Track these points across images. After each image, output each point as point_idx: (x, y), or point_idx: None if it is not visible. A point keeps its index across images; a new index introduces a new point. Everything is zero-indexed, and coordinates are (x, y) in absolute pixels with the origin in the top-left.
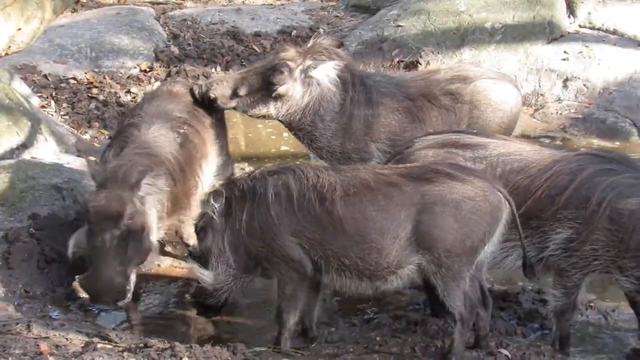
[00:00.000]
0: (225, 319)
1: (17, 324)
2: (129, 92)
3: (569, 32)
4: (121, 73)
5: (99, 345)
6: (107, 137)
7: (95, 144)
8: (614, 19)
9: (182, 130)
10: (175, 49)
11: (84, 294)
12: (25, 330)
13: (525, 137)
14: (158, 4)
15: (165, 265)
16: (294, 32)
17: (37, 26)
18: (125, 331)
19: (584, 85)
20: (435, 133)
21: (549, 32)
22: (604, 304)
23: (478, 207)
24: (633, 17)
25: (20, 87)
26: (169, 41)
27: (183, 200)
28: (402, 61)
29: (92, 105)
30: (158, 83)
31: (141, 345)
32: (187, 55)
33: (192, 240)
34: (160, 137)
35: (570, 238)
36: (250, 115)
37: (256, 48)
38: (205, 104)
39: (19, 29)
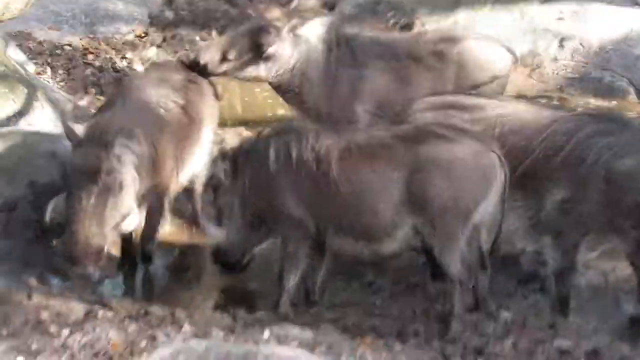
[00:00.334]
0: (226, 284)
1: (17, 292)
2: (124, 57)
3: None
4: (116, 39)
5: (99, 314)
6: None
7: (92, 110)
8: None
9: (169, 107)
10: (170, 14)
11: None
12: (26, 299)
13: (522, 97)
14: None
15: (164, 231)
16: None
17: None
18: (125, 298)
19: (580, 44)
20: (433, 95)
21: None
22: (603, 264)
23: (469, 167)
24: None
25: (15, 54)
26: (163, 6)
27: (162, 174)
28: (397, 23)
29: (88, 72)
30: (153, 48)
31: (142, 312)
32: (182, 20)
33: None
34: (140, 108)
35: (566, 199)
36: (241, 79)
37: (251, 12)
38: (196, 70)
39: None
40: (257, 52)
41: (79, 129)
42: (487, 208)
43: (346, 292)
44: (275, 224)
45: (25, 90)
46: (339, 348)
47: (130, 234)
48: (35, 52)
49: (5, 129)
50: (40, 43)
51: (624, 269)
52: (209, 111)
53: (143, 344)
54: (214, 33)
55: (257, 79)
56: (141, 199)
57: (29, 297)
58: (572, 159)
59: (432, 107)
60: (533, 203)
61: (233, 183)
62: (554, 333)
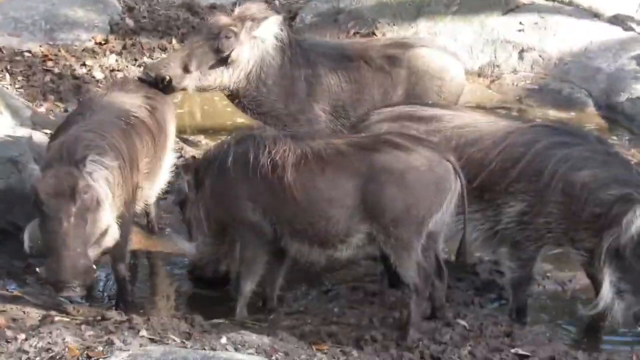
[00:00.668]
0: (182, 290)
1: None
2: (84, 64)
3: (524, 3)
4: (76, 46)
5: (56, 319)
6: (62, 109)
7: (51, 117)
8: None
9: (130, 122)
10: (130, 22)
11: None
12: None
13: (481, 108)
14: None
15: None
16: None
17: None
18: (82, 304)
19: (540, 56)
20: (390, 105)
21: (505, 3)
22: (560, 273)
23: (423, 176)
24: None
25: None
26: (123, 13)
27: (130, 187)
28: (358, 33)
29: (47, 78)
30: (113, 56)
31: (99, 318)
32: (142, 28)
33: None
34: (105, 122)
35: (523, 211)
36: (203, 90)
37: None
38: (159, 87)
39: None
40: (218, 60)
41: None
42: (442, 217)
43: (304, 299)
44: (234, 229)
45: None
46: (296, 355)
47: None
48: None
49: None
50: None
51: (581, 278)
52: (171, 123)
53: (100, 348)
54: (174, 41)
55: (220, 87)
56: (114, 213)
57: None
58: (529, 171)
59: (389, 118)
60: (490, 214)
61: (197, 194)
62: (511, 341)
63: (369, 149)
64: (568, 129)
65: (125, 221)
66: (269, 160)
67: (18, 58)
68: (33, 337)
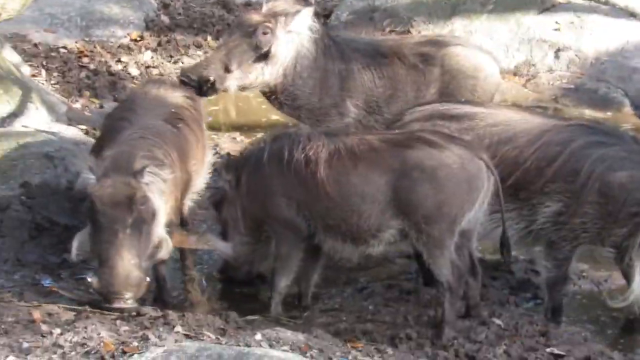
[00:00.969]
0: (217, 287)
1: (9, 292)
2: (119, 61)
3: (560, 2)
4: (112, 42)
5: (91, 314)
6: (97, 106)
7: (86, 113)
8: None
9: (178, 125)
10: (165, 18)
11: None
12: (18, 298)
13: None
14: None
15: None
16: None
17: None
18: None
19: (576, 55)
20: (423, 104)
21: (541, 2)
22: (596, 273)
23: (455, 174)
24: None
25: (10, 56)
26: (159, 10)
27: (179, 196)
28: (393, 31)
29: (83, 74)
30: (148, 52)
31: (134, 313)
32: (177, 25)
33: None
34: (156, 128)
35: (559, 211)
36: (245, 89)
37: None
38: (203, 89)
39: None
40: (257, 57)
41: (74, 131)
42: (475, 215)
43: (339, 297)
44: (270, 226)
45: (20, 92)
46: (331, 352)
47: None
48: (31, 54)
49: None
50: (35, 45)
51: (617, 278)
52: (205, 129)
53: (135, 344)
54: (209, 38)
55: (261, 85)
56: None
57: (21, 296)
58: (565, 171)
59: (421, 117)
60: (526, 213)
61: (235, 193)
62: (547, 340)
63: (401, 146)
64: (604, 128)
65: (172, 228)
66: (302, 156)
67: (54, 54)
68: (68, 331)
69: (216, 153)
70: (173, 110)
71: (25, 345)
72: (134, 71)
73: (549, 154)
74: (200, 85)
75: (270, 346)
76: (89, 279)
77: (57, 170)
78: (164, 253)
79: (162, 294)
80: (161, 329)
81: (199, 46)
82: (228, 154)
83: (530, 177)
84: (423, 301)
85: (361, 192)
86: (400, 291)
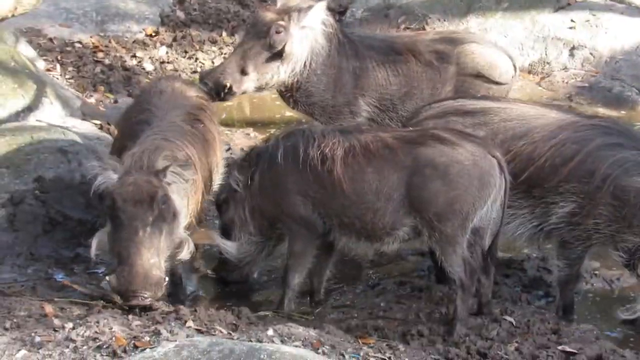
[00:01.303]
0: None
1: (22, 286)
2: (134, 56)
3: (576, 1)
4: (127, 37)
5: (103, 308)
6: (112, 100)
7: (100, 108)
8: None
9: (196, 125)
10: (181, 14)
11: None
12: (30, 292)
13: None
14: None
15: None
16: None
17: None
18: None
19: (591, 53)
20: (438, 101)
21: (556, 0)
22: (608, 272)
23: (467, 171)
24: None
25: (25, 50)
26: (174, 6)
27: (199, 196)
28: (408, 28)
29: (98, 69)
30: (163, 48)
31: (146, 308)
32: (192, 20)
33: None
34: (176, 128)
35: (573, 212)
36: (262, 89)
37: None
38: (221, 95)
39: None
40: (272, 57)
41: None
42: (487, 213)
43: (351, 293)
44: (284, 223)
45: (35, 86)
46: (343, 348)
47: None
48: (46, 49)
49: (13, 124)
50: (50, 40)
51: (629, 276)
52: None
53: (147, 338)
54: (224, 34)
55: (278, 84)
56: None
57: (34, 290)
58: (580, 172)
59: (436, 114)
60: (539, 212)
61: (245, 192)
62: (558, 338)
63: (414, 143)
64: (622, 129)
65: (192, 229)
66: (318, 153)
67: (69, 49)
68: (80, 326)
69: (229, 149)
70: (190, 110)
71: (38, 339)
72: (148, 66)
73: (565, 153)
74: (218, 92)
75: (282, 342)
76: (107, 278)
77: (71, 164)
78: (185, 254)
79: (177, 293)
80: (173, 324)
81: (214, 42)
82: (241, 149)
83: (545, 174)
84: (435, 298)
85: (376, 190)
86: (412, 288)
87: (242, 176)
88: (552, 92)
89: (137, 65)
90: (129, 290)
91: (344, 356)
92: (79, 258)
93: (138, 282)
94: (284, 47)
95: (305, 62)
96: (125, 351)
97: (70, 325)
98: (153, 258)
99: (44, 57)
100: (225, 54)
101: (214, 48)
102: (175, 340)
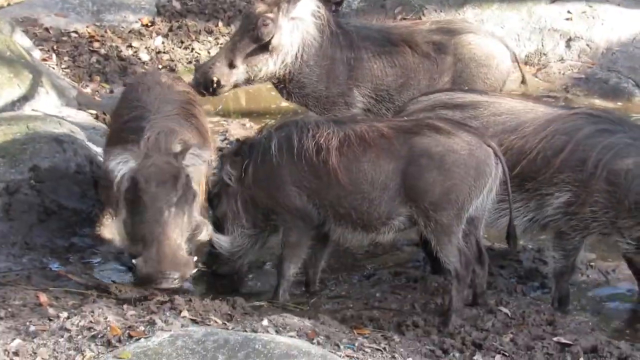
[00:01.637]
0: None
1: (17, 275)
2: (130, 46)
3: None
4: (123, 27)
5: (98, 298)
6: (108, 90)
7: (96, 97)
8: None
9: (191, 120)
10: (177, 4)
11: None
12: (25, 281)
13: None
14: None
15: None
16: None
17: None
18: (124, 284)
19: (587, 45)
20: (428, 93)
21: None
22: (604, 263)
23: (462, 160)
24: None
25: (21, 40)
26: None
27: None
28: (404, 19)
29: (94, 59)
30: (159, 38)
31: (140, 297)
32: (188, 11)
33: None
34: (176, 120)
35: (569, 201)
36: (253, 82)
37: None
38: (209, 90)
39: None
40: (261, 49)
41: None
42: (483, 202)
43: (346, 284)
44: (278, 215)
45: (31, 76)
46: (337, 338)
47: None
48: (41, 38)
49: (9, 113)
50: (46, 29)
51: (625, 268)
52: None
53: (141, 328)
54: (220, 24)
55: (268, 76)
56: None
57: (28, 279)
58: (572, 161)
59: (426, 107)
60: (533, 205)
61: (238, 185)
62: (553, 329)
63: (410, 132)
64: (609, 116)
65: (204, 213)
66: (313, 144)
67: (65, 38)
68: (75, 315)
69: (225, 139)
70: (182, 105)
71: (32, 328)
72: (144, 56)
73: (555, 144)
74: (207, 86)
75: (277, 332)
76: (134, 261)
77: (66, 154)
78: (204, 235)
79: None
80: (168, 314)
81: (210, 32)
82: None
83: (537, 167)
84: (430, 289)
85: (371, 180)
86: (408, 279)
87: (235, 170)
88: (549, 84)
89: (133, 55)
90: (159, 272)
91: (338, 346)
92: (74, 247)
93: (167, 263)
94: (271, 39)
95: (296, 54)
96: (119, 341)
97: (65, 314)
98: (179, 239)
99: (40, 47)
100: (221, 44)
101: (210, 38)
102: (170, 330)
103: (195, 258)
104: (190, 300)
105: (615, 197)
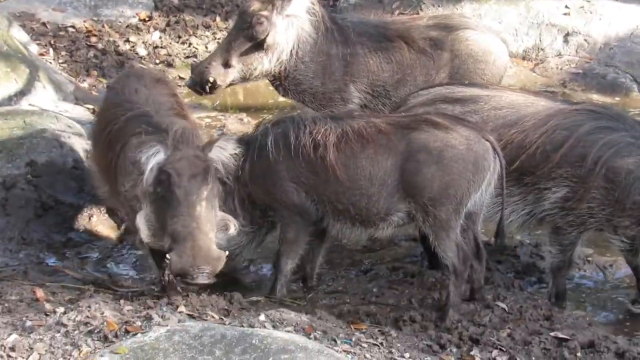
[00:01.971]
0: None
1: (14, 270)
2: (127, 41)
3: None
4: (120, 22)
5: (95, 293)
6: (105, 85)
7: (93, 92)
8: None
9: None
10: None
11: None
12: (22, 276)
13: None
14: None
15: None
16: None
17: None
18: (122, 279)
19: (585, 40)
20: (427, 88)
21: None
22: (602, 258)
23: (461, 155)
24: None
25: (18, 35)
26: None
27: None
28: (402, 14)
29: (91, 54)
30: (157, 33)
31: (137, 292)
32: (186, 5)
33: None
34: (175, 117)
35: (566, 197)
36: (249, 80)
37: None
38: (206, 90)
39: None
40: (256, 47)
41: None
42: (481, 197)
43: (343, 279)
44: (276, 211)
45: (28, 71)
46: (334, 333)
47: None
48: (39, 33)
49: (6, 108)
50: (44, 24)
51: (623, 263)
52: None
53: (138, 323)
54: (218, 19)
55: (264, 74)
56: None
57: (25, 274)
58: (572, 156)
59: (425, 101)
60: (531, 199)
61: (234, 183)
62: (551, 324)
63: (408, 128)
64: (611, 113)
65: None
66: (310, 140)
67: (62, 33)
68: (72, 310)
69: (223, 134)
70: (174, 105)
71: (29, 323)
72: (142, 51)
73: (556, 139)
74: (203, 86)
75: (274, 327)
76: (167, 257)
77: (63, 149)
78: (232, 229)
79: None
80: (165, 309)
81: (207, 27)
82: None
83: (536, 162)
84: (427, 284)
85: (369, 175)
86: (405, 274)
87: (234, 170)
88: (546, 79)
89: (131, 50)
90: (195, 266)
91: (335, 342)
92: (71, 242)
93: (202, 258)
94: (266, 37)
95: (291, 51)
96: (116, 336)
97: (61, 309)
98: (210, 232)
99: (37, 42)
100: (218, 39)
101: (207, 33)
102: (167, 325)
103: (226, 253)
104: (187, 295)
105: (613, 195)
